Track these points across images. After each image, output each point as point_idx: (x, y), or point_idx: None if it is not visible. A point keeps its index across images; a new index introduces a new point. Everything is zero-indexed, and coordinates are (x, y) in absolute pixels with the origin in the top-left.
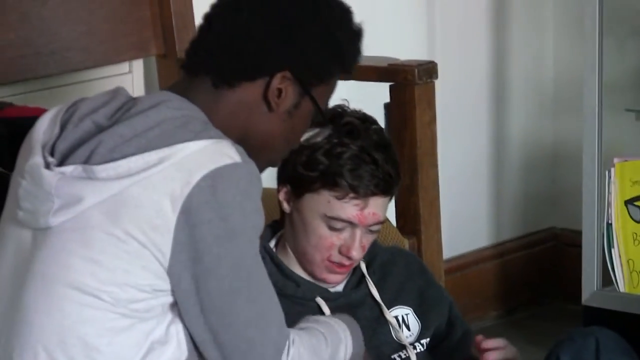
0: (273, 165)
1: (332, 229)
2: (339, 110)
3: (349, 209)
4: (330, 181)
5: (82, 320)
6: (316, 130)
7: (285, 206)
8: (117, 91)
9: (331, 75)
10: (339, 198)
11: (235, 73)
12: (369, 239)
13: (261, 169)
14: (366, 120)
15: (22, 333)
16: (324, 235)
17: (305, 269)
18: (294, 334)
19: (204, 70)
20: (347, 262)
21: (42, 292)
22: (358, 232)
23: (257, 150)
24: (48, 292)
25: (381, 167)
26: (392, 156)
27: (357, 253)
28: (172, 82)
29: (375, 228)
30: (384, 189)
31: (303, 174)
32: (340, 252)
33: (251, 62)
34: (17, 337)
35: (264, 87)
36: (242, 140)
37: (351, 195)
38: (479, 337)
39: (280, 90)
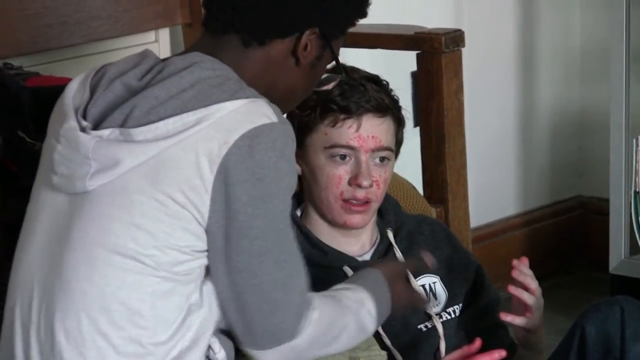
0: (286, 112)
1: (336, 162)
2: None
3: (344, 132)
4: (322, 110)
5: (125, 286)
6: (328, 76)
7: (298, 168)
8: (145, 54)
9: (351, 26)
10: (333, 125)
11: (267, 31)
12: (380, 173)
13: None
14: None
15: (64, 300)
16: (330, 172)
17: (326, 219)
18: (317, 298)
19: (234, 30)
20: (360, 195)
21: (82, 258)
22: (362, 158)
23: (278, 102)
24: (89, 258)
25: (370, 92)
26: (384, 89)
27: (366, 180)
28: None
29: (381, 157)
30: (375, 107)
31: (301, 119)
32: (349, 184)
33: (284, 20)
34: (58, 305)
35: (294, 43)
36: (266, 94)
37: (343, 116)
38: (516, 262)
39: (307, 45)
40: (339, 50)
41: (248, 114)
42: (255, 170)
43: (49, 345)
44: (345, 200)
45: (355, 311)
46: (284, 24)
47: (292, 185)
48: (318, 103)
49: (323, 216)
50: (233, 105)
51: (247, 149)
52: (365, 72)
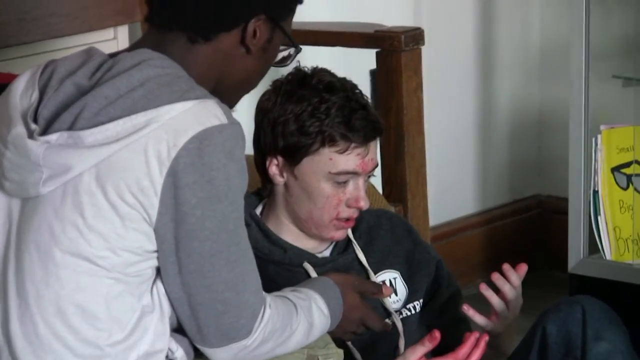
0: (246, 93)
1: (337, 185)
2: (303, 71)
3: (352, 160)
4: (328, 138)
5: (79, 288)
6: (284, 52)
7: (279, 179)
8: (91, 50)
9: (299, 2)
10: (341, 152)
11: (212, 27)
12: (366, 186)
13: (236, 102)
14: (333, 74)
15: (19, 305)
16: (330, 194)
17: (309, 233)
18: (269, 298)
19: (178, 27)
20: (355, 215)
21: (37, 261)
22: (361, 181)
23: (234, 90)
24: (43, 260)
25: (370, 109)
26: (369, 104)
27: (364, 202)
28: None
29: (371, 174)
30: (379, 130)
31: (298, 141)
32: (348, 206)
33: (227, 13)
34: (14, 309)
35: (241, 33)
36: (218, 84)
37: (353, 145)
38: (507, 266)
39: (255, 32)
40: (290, 26)
41: (197, 115)
42: (205, 173)
43: (6, 350)
44: (339, 219)
45: (307, 309)
46: (227, 18)
47: (242, 185)
48: (323, 129)
49: (305, 229)
50: (183, 106)
51: (196, 152)
52: (347, 82)
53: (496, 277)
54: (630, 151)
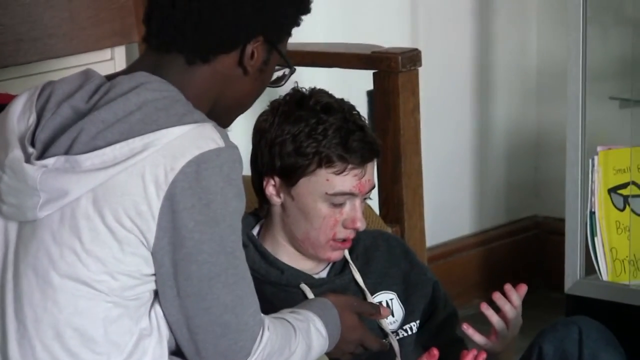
0: (240, 114)
1: (333, 206)
2: (300, 92)
3: (348, 181)
4: (325, 159)
5: (77, 312)
6: (279, 72)
7: (276, 199)
8: (89, 72)
9: (296, 25)
10: (338, 173)
11: (211, 49)
12: (363, 207)
13: (231, 122)
14: (331, 95)
15: (17, 328)
16: (327, 215)
17: (306, 254)
18: (268, 320)
19: (176, 49)
20: (352, 236)
21: (35, 285)
22: (358, 202)
23: (230, 110)
24: (41, 285)
25: (367, 131)
26: (366, 124)
27: (361, 223)
28: None
29: (368, 195)
30: (377, 152)
31: (295, 161)
32: (345, 227)
33: (226, 36)
34: (12, 333)
35: (239, 55)
36: (215, 105)
37: (350, 166)
38: (508, 286)
39: (252, 53)
40: (285, 47)
41: (195, 139)
42: (202, 196)
43: None
44: (336, 240)
45: (305, 331)
46: (226, 40)
47: (240, 208)
48: (320, 150)
49: (302, 249)
50: (180, 130)
51: (194, 175)
52: (344, 102)
53: (497, 297)
54: (626, 172)
